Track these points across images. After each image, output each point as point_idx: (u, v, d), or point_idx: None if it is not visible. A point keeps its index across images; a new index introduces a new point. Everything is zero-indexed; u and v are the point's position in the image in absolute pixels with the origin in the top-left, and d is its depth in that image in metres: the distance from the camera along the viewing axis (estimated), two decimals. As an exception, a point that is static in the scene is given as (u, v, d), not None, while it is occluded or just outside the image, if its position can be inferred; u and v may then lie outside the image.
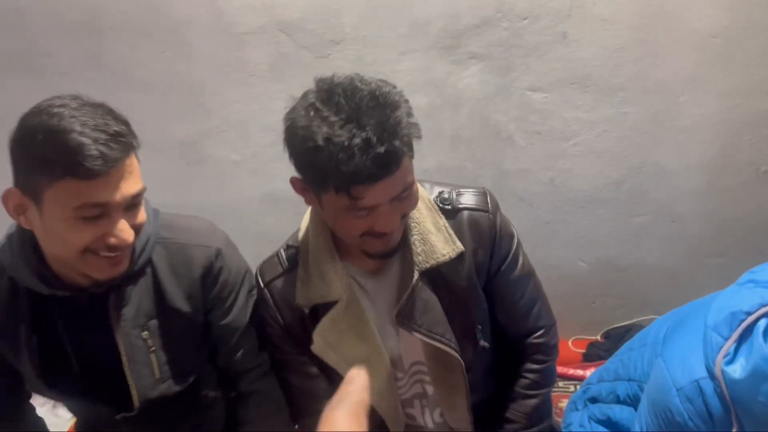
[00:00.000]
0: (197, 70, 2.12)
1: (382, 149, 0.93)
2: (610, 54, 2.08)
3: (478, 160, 2.24)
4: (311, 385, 1.32)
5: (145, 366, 1.24)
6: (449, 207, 1.21)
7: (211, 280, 1.26)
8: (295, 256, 1.23)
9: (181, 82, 2.13)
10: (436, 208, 1.21)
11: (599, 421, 1.70)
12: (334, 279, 1.19)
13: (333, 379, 1.30)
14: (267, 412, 1.39)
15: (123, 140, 1.01)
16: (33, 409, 1.41)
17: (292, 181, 1.13)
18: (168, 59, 2.10)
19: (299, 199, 2.05)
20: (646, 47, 2.07)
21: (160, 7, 2.07)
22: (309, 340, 1.21)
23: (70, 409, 1.43)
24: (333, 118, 0.95)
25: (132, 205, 1.07)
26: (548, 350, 1.35)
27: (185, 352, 1.30)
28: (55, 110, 1.02)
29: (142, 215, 1.11)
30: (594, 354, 2.33)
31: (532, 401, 1.34)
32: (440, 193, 1.23)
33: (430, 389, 1.32)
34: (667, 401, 1.22)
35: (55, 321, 1.22)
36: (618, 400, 1.66)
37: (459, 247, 1.18)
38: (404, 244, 1.19)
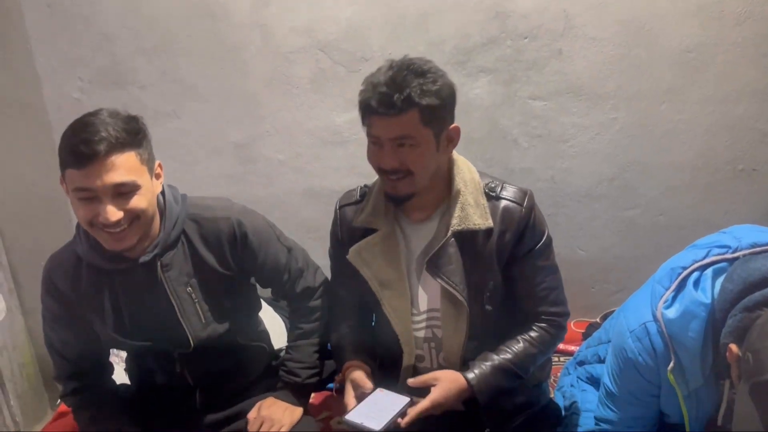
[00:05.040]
0: (250, 84, 2.28)
1: (382, 90, 1.21)
2: (599, 67, 2.18)
3: (487, 159, 2.32)
4: (345, 296, 1.54)
5: (194, 314, 1.41)
6: (493, 194, 1.38)
7: (241, 243, 1.41)
8: (366, 193, 1.47)
9: (236, 94, 2.30)
10: (482, 191, 1.38)
11: (585, 380, 1.82)
12: (382, 214, 1.42)
13: (363, 299, 1.50)
14: (325, 324, 1.57)
15: (107, 143, 1.16)
16: (112, 367, 1.59)
17: None
18: (226, 75, 2.27)
19: (335, 193, 2.09)
20: (629, 61, 2.16)
21: (220, 32, 2.23)
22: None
23: (135, 358, 1.57)
24: (382, 70, 1.25)
25: (119, 193, 1.21)
26: (556, 327, 1.45)
27: (221, 302, 1.45)
28: (83, 118, 1.22)
29: (136, 202, 1.23)
30: (592, 334, 2.31)
31: (526, 346, 1.42)
32: (489, 182, 1.40)
33: (439, 333, 1.44)
34: (623, 342, 1.34)
35: (122, 289, 1.38)
36: (599, 360, 1.78)
37: (490, 223, 1.35)
38: (445, 211, 1.38)
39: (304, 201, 2.43)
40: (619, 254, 2.43)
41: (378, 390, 1.38)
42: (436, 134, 1.27)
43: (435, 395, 1.33)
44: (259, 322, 1.70)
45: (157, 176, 1.33)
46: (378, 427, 1.25)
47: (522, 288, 1.43)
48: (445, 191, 1.41)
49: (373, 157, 1.33)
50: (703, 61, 2.16)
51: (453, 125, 1.32)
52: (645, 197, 2.35)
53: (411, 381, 1.38)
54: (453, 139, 1.33)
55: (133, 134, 1.22)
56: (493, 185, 1.40)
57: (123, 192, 1.22)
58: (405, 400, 1.34)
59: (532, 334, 1.43)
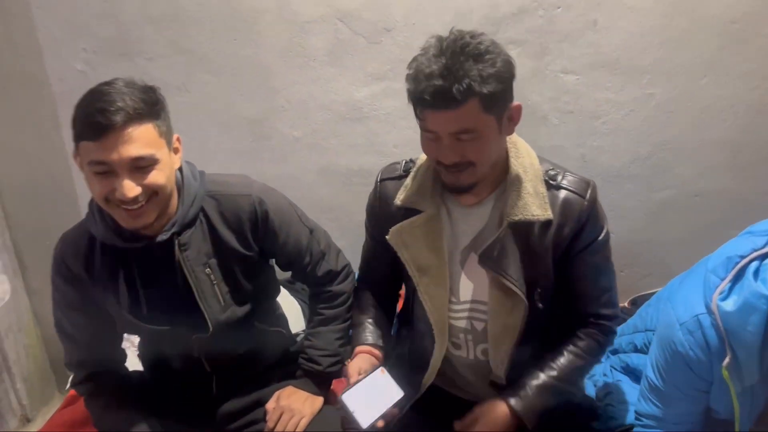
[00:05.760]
0: (264, 55, 2.20)
1: (437, 83, 1.09)
2: (636, 39, 2.08)
3: (516, 136, 2.26)
4: (375, 272, 1.52)
5: (212, 296, 1.38)
6: (553, 183, 1.29)
7: (262, 222, 1.38)
8: (410, 168, 1.39)
9: (249, 66, 2.22)
10: (542, 179, 1.29)
11: (620, 369, 1.78)
12: (428, 194, 1.34)
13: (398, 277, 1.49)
14: (348, 309, 1.55)
15: (124, 113, 1.13)
16: (125, 354, 1.56)
17: None
18: (238, 45, 2.19)
19: (350, 172, 2.07)
20: (669, 33, 2.06)
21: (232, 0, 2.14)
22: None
23: (150, 343, 1.55)
24: (431, 52, 1.13)
25: (137, 167, 1.18)
26: (605, 332, 1.39)
27: (241, 283, 1.42)
28: (97, 87, 1.18)
29: (154, 177, 1.20)
30: (621, 318, 2.34)
31: (572, 358, 1.36)
32: (549, 169, 1.31)
33: (479, 326, 1.38)
34: (672, 335, 1.30)
35: (138, 269, 1.34)
36: (635, 349, 1.75)
37: (549, 215, 1.26)
38: (500, 197, 1.30)
39: (320, 179, 2.39)
40: (650, 237, 2.36)
41: (379, 370, 1.34)
42: (497, 118, 1.18)
43: None
44: (277, 306, 1.68)
45: (176, 150, 1.29)
46: (365, 424, 1.23)
47: (573, 286, 1.36)
48: (501, 175, 1.32)
49: (430, 150, 1.23)
50: (748, 33, 2.05)
51: (514, 104, 1.22)
52: (680, 177, 2.27)
53: (457, 425, 1.35)
54: (514, 117, 1.23)
55: (151, 105, 1.18)
56: (553, 173, 1.31)
57: (141, 166, 1.18)
58: (400, 393, 1.30)
59: (580, 343, 1.37)
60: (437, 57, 1.12)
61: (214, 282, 1.37)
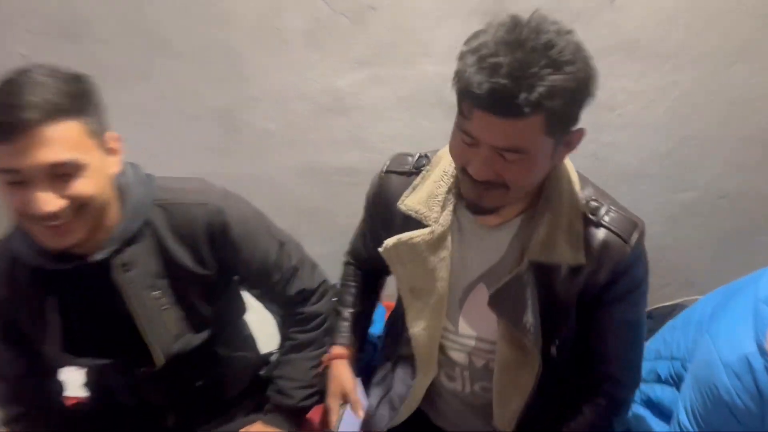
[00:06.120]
0: (234, 38, 2.07)
1: (502, 82, 0.88)
2: (659, 20, 1.95)
3: (518, 130, 2.12)
4: (362, 260, 1.46)
5: (162, 324, 1.26)
6: (593, 218, 1.12)
7: (220, 235, 1.26)
8: (423, 166, 1.22)
9: (217, 50, 2.09)
10: (580, 211, 1.12)
11: (641, 402, 1.65)
12: (439, 206, 1.18)
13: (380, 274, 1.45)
14: (325, 332, 1.45)
15: (38, 110, 0.99)
16: (63, 385, 1.44)
17: None
18: (205, 27, 2.06)
19: (333, 170, 1.97)
20: (696, 13, 1.94)
21: (198, -27, 2.00)
22: (385, 236, 1.23)
23: (91, 374, 1.46)
24: (502, 36, 0.91)
25: (56, 175, 1.04)
26: (617, 403, 1.26)
27: (199, 307, 1.31)
28: (9, 77, 1.03)
29: (80, 186, 1.06)
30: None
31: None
32: (591, 199, 1.14)
33: (480, 362, 1.28)
34: (714, 377, 1.18)
35: (70, 295, 1.24)
36: (659, 380, 1.61)
37: (581, 259, 1.10)
38: (526, 224, 1.13)
39: (299, 179, 2.26)
40: (669, 243, 2.24)
41: (348, 410, 1.35)
42: (556, 142, 0.99)
43: None
44: (244, 326, 1.58)
45: (112, 152, 1.15)
46: None
47: (592, 340, 1.22)
48: (533, 196, 1.13)
49: (460, 155, 1.03)
50: (788, 13, 1.93)
51: (578, 128, 1.02)
52: (705, 177, 2.15)
53: None
54: (573, 143, 1.05)
55: (75, 98, 1.04)
56: (596, 205, 1.13)
57: (62, 173, 1.04)
58: None
59: (587, 414, 1.24)
60: (510, 47, 0.89)
61: (165, 307, 1.26)
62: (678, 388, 1.49)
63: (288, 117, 2.16)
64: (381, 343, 1.55)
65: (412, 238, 1.18)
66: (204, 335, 1.34)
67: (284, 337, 1.47)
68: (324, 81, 2.11)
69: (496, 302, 1.15)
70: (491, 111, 0.91)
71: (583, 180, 1.16)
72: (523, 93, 0.87)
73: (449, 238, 1.18)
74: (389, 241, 1.20)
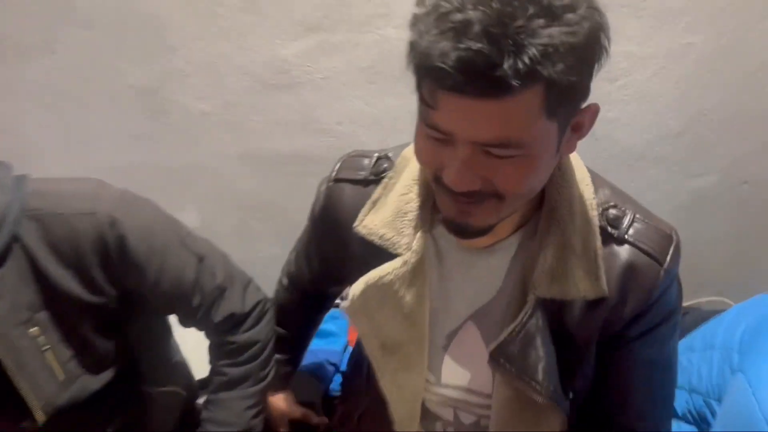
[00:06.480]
0: (155, 1, 1.86)
1: (475, 46, 0.66)
2: None
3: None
4: (304, 286, 1.28)
5: (42, 369, 1.13)
6: (614, 231, 0.92)
7: (117, 253, 1.13)
8: (384, 172, 1.02)
9: (135, 16, 1.86)
10: (596, 223, 0.93)
11: None
12: (411, 226, 0.97)
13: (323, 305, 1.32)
14: (263, 363, 1.32)
15: None
16: None
17: None
18: None
19: (282, 158, 1.67)
20: None
21: None
22: (340, 267, 1.06)
23: None
24: None
25: None
26: None
27: (95, 343, 1.19)
28: None
29: None
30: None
31: None
32: (609, 205, 0.94)
33: (469, 419, 1.12)
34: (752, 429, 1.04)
35: None
36: (674, 415, 1.47)
37: (602, 289, 0.91)
38: (526, 242, 0.95)
39: (242, 169, 2.04)
40: (681, 236, 2.06)
41: None
42: (561, 126, 0.78)
43: None
44: (171, 353, 1.46)
45: None
46: None
47: (610, 385, 1.05)
48: (532, 204, 0.94)
49: (431, 160, 0.83)
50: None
51: (589, 105, 0.83)
52: (725, 159, 1.97)
53: None
54: (583, 127, 0.85)
55: None
56: (615, 213, 0.94)
57: None
58: None
59: None
60: None
61: (45, 348, 1.13)
62: (699, 427, 1.38)
63: (225, 95, 1.95)
64: (342, 389, 1.45)
65: (382, 277, 0.97)
66: (107, 376, 1.21)
67: (213, 370, 1.31)
68: (265, 51, 1.90)
69: (498, 359, 0.95)
70: (464, 91, 0.69)
71: (596, 179, 0.96)
72: (507, 58, 0.66)
73: (426, 267, 0.99)
74: (356, 289, 0.99)
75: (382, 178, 1.01)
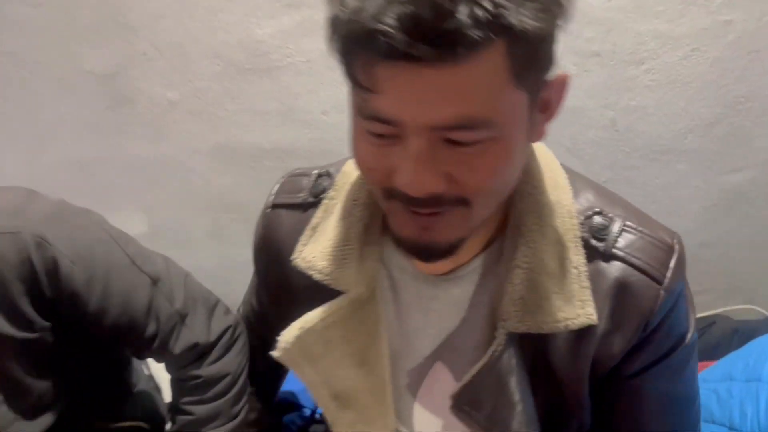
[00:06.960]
0: None
1: None
2: None
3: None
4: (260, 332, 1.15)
5: None
6: (600, 243, 0.81)
7: (49, 279, 1.02)
8: (323, 192, 0.92)
9: None
10: (577, 235, 0.82)
11: None
12: (355, 255, 0.86)
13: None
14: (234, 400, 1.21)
15: None
16: None
17: None
18: None
19: (260, 152, 1.69)
20: None
21: None
22: (290, 306, 0.93)
23: None
24: None
25: None
26: None
27: (30, 385, 1.09)
28: None
29: None
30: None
31: None
32: (594, 212, 0.83)
33: None
34: None
35: None
36: None
37: (589, 315, 0.79)
38: (493, 262, 0.85)
39: (215, 164, 1.94)
40: (710, 239, 1.96)
41: None
42: (531, 98, 0.66)
43: None
44: (132, 381, 1.34)
45: None
46: None
47: (619, 428, 0.92)
48: (496, 219, 0.86)
49: (376, 166, 0.71)
50: None
51: (558, 75, 0.71)
52: (763, 152, 1.84)
53: None
54: (551, 104, 0.71)
55: None
56: (601, 221, 0.82)
57: None
58: None
59: None
60: None
61: None
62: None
63: (194, 82, 1.84)
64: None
65: (323, 319, 0.86)
66: (47, 420, 1.10)
67: (176, 409, 1.21)
68: (239, 30, 1.79)
69: (461, 406, 0.84)
70: (410, 57, 0.58)
71: (577, 180, 0.84)
72: (462, 6, 0.56)
73: (379, 303, 0.87)
74: (288, 335, 0.87)
75: (322, 199, 0.91)
